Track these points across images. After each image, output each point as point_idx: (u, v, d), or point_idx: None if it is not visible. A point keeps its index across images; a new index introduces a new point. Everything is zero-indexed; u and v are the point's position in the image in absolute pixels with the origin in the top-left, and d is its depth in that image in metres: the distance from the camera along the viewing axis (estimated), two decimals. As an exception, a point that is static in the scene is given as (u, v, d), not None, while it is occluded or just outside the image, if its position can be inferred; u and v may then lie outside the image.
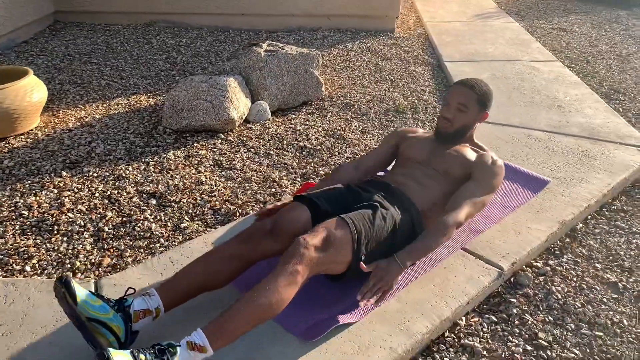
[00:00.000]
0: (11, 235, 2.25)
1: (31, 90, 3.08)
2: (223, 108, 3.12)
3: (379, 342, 1.74)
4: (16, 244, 2.20)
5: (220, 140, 3.11)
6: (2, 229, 2.28)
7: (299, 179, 2.74)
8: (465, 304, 1.92)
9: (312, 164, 2.89)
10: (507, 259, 2.13)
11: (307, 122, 3.39)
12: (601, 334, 1.88)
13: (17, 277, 2.03)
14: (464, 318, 1.92)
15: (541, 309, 1.98)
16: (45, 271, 2.07)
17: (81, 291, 1.58)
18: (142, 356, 1.43)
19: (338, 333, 1.76)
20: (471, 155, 2.19)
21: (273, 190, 2.63)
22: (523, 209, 2.45)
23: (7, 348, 1.68)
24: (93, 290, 1.92)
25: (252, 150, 3.02)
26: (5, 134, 3.08)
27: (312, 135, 3.22)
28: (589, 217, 2.53)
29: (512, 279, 2.11)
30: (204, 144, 3.07)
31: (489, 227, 2.31)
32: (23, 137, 3.11)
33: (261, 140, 3.13)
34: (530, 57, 4.66)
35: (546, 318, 1.94)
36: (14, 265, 2.09)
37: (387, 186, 2.11)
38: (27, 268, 2.08)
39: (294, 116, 3.49)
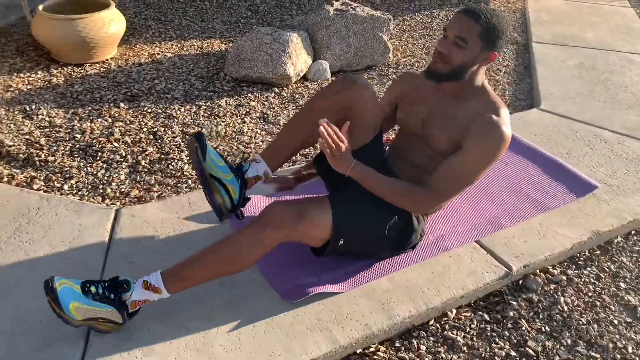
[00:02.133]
0: (60, 155, 2.47)
1: (109, 22, 3.28)
2: (281, 63, 3.15)
3: (356, 317, 1.75)
4: (62, 164, 2.41)
5: (273, 94, 3.16)
6: (55, 148, 2.51)
7: (337, 144, 2.75)
8: (459, 297, 1.88)
9: (355, 131, 2.87)
10: (520, 260, 2.03)
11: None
12: (598, 355, 1.77)
13: (54, 193, 2.24)
14: (454, 310, 1.88)
15: (540, 317, 1.89)
16: (79, 192, 2.26)
17: (211, 150, 1.72)
18: (93, 288, 1.54)
19: (320, 299, 1.80)
20: (462, 122, 1.77)
21: (306, 151, 2.66)
22: (558, 211, 2.30)
23: (26, 255, 1.88)
24: (113, 217, 2.08)
25: (294, 107, 3.04)
26: (83, 60, 3.32)
27: (365, 101, 3.17)
28: (633, 232, 2.33)
29: (520, 282, 2.02)
30: (257, 95, 3.13)
31: (513, 223, 2.20)
32: (98, 65, 3.34)
33: (312, 100, 3.14)
34: (631, 49, 4.23)
35: (543, 327, 1.85)
36: (55, 182, 2.30)
37: (385, 166, 1.97)
38: (65, 187, 2.28)
39: (354, 79, 3.45)
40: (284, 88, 3.23)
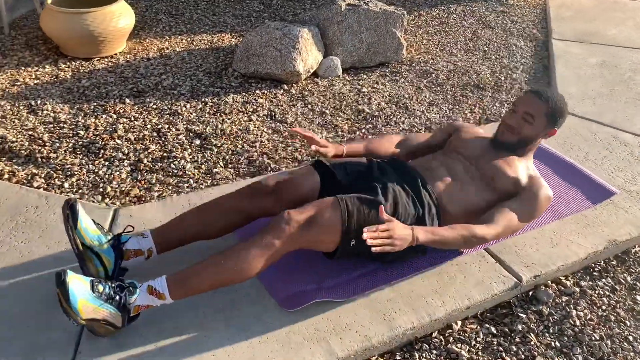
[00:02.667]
0: (63, 151, 2.43)
1: (118, 16, 3.24)
2: (290, 59, 3.08)
3: (356, 327, 1.69)
4: (64, 160, 2.38)
5: (282, 91, 3.09)
6: (57, 144, 2.47)
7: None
8: (464, 308, 1.80)
9: (363, 130, 2.79)
10: (531, 270, 1.94)
11: (375, 85, 3.26)
12: (610, 374, 1.68)
13: (54, 191, 2.20)
14: (459, 322, 1.81)
15: (551, 331, 1.80)
16: (80, 191, 2.22)
17: (85, 218, 1.68)
18: (100, 287, 1.50)
19: (319, 308, 1.73)
20: (523, 172, 1.98)
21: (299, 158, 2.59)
22: (573, 218, 2.20)
23: (20, 255, 1.85)
24: (111, 218, 2.04)
25: (309, 106, 2.97)
26: (91, 55, 3.29)
27: (375, 99, 3.09)
28: (653, 241, 2.22)
29: (530, 293, 1.93)
30: (265, 92, 3.07)
31: (525, 231, 2.11)
32: (106, 59, 3.31)
33: (321, 97, 3.07)
34: (657, 47, 4.07)
35: (553, 343, 1.76)
36: (56, 180, 2.27)
37: (412, 175, 1.95)
38: (66, 185, 2.24)
39: (364, 76, 3.37)
40: (293, 85, 3.16)
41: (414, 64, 3.56)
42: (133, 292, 1.55)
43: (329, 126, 2.80)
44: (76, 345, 1.56)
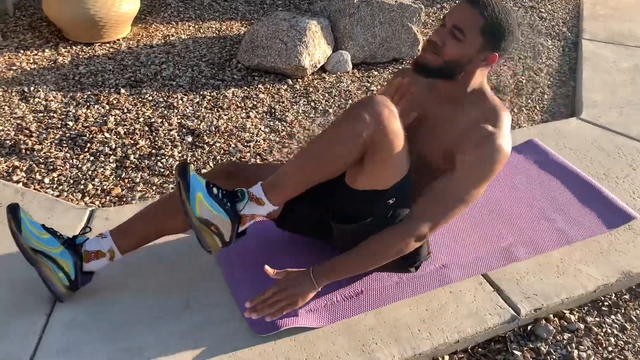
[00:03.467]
0: (49, 143, 2.34)
1: (120, 1, 3.11)
2: (295, 53, 2.92)
3: (331, 357, 1.55)
4: (48, 153, 2.28)
5: (286, 86, 2.94)
6: (44, 135, 2.38)
7: (345, 147, 2.51)
8: (453, 342, 1.64)
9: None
10: (531, 301, 1.77)
11: (385, 83, 3.08)
12: None
13: (33, 187, 2.11)
14: (447, 357, 1.65)
15: (548, 373, 1.64)
16: (60, 187, 2.12)
17: (29, 222, 1.54)
18: (215, 189, 1.42)
19: (293, 334, 1.59)
20: (461, 128, 1.53)
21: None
22: (585, 244, 2.01)
23: (-15, 256, 1.75)
24: (86, 219, 1.93)
25: (312, 103, 2.81)
26: (92, 40, 3.18)
27: (384, 99, 2.91)
28: (673, 274, 2.02)
29: (528, 327, 1.76)
30: (268, 87, 2.92)
31: (530, 256, 1.93)
32: (108, 45, 3.20)
33: (326, 95, 2.91)
34: (697, 52, 3.77)
35: (549, 387, 1.60)
36: (37, 174, 2.17)
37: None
38: (46, 180, 2.15)
39: (376, 73, 3.19)
40: (299, 80, 3.01)
41: (430, 62, 3.36)
42: (242, 197, 1.45)
43: (331, 127, 2.64)
44: (36, 345, 1.46)
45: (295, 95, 2.87)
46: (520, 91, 3.14)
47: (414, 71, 1.53)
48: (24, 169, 2.19)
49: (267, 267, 1.55)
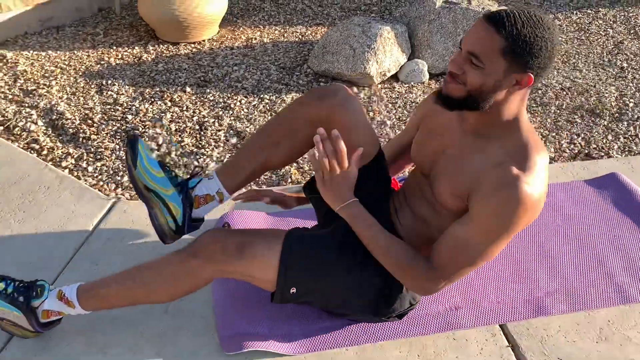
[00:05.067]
0: (105, 134, 2.46)
1: (205, 3, 3.21)
2: (362, 60, 2.78)
3: (292, 391, 1.41)
4: (100, 144, 2.40)
5: (349, 94, 2.80)
6: (103, 126, 2.51)
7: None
8: (440, 398, 1.41)
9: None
10: (553, 366, 1.47)
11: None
12: None
13: (78, 173, 2.22)
14: (430, 415, 1.42)
15: None
16: (99, 177, 2.21)
17: (147, 158, 1.45)
18: (2, 284, 1.42)
19: (263, 357, 1.48)
20: (481, 167, 1.29)
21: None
22: (648, 306, 1.63)
23: (10, 236, 1.87)
24: (105, 211, 1.98)
25: (370, 114, 2.65)
26: (179, 40, 3.31)
27: (453, 114, 2.65)
28: None
29: (543, 397, 1.46)
30: (331, 93, 2.81)
31: (566, 311, 1.61)
32: (192, 45, 3.31)
33: (390, 105, 2.72)
34: None
35: None
36: (84, 162, 2.29)
37: (385, 210, 1.54)
38: (90, 169, 2.25)
39: (454, 86, 2.92)
40: (365, 88, 2.86)
41: (520, 76, 3.01)
42: (41, 294, 1.43)
43: (383, 140, 2.46)
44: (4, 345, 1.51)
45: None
46: (622, 116, 2.68)
47: (436, 103, 1.33)
48: (75, 156, 2.32)
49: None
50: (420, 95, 2.82)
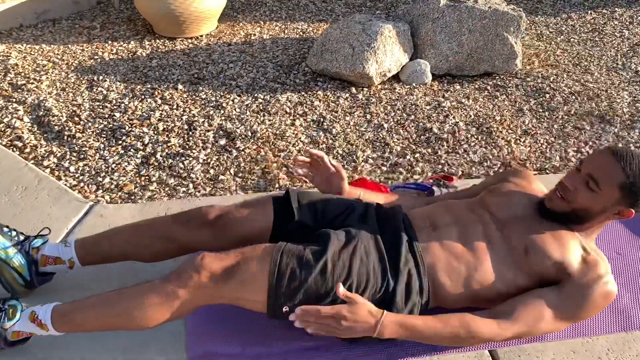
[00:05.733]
0: (90, 132, 2.37)
1: (202, -2, 3.11)
2: (361, 59, 2.66)
3: (259, 419, 1.31)
4: (85, 142, 2.31)
5: (347, 95, 2.69)
6: (90, 124, 2.43)
7: (384, 169, 2.21)
8: None
9: (416, 156, 2.28)
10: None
11: (463, 100, 2.68)
12: None
13: (59, 173, 2.14)
14: None
15: None
16: (80, 177, 2.13)
17: None
18: None
19: (231, 379, 1.39)
20: (575, 252, 1.41)
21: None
22: (653, 334, 1.51)
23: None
24: (82, 214, 1.90)
25: (368, 116, 2.54)
26: (176, 35, 3.22)
27: (453, 117, 2.53)
28: None
29: None
30: (327, 94, 2.70)
31: (562, 337, 1.49)
32: (189, 41, 3.22)
33: (388, 107, 2.61)
34: None
35: None
36: (67, 161, 2.21)
37: (395, 227, 1.47)
38: (72, 169, 2.17)
39: (458, 87, 2.80)
40: (364, 89, 2.74)
41: (529, 79, 2.88)
42: (12, 316, 1.34)
43: (379, 145, 2.35)
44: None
45: (354, 105, 2.62)
46: (634, 123, 2.54)
47: (537, 214, 1.47)
48: (58, 155, 2.24)
49: (340, 285, 1.30)
50: (420, 97, 2.70)
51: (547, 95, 2.74)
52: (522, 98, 2.72)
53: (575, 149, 2.37)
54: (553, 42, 3.30)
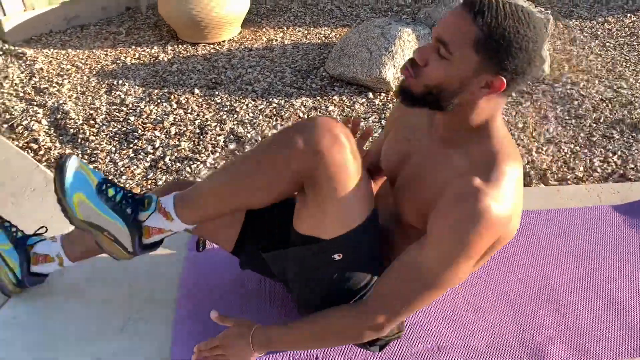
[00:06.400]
0: (104, 135, 2.39)
1: (222, 3, 3.11)
2: (378, 64, 2.59)
3: None
4: (98, 145, 2.33)
5: (363, 100, 2.63)
6: (104, 127, 2.45)
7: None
8: None
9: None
10: None
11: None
12: None
13: (66, 176, 2.16)
14: None
15: None
16: (88, 180, 2.14)
17: None
18: (111, 190, 1.22)
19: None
20: (443, 178, 1.11)
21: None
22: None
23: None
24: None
25: (383, 122, 2.46)
26: (198, 40, 3.24)
27: (473, 125, 2.43)
28: None
29: None
30: (343, 99, 2.65)
31: (569, 357, 1.38)
32: (211, 46, 3.23)
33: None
34: None
35: None
36: (77, 164, 2.23)
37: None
38: (81, 171, 2.19)
39: (480, 94, 2.69)
40: (381, 94, 2.67)
41: (557, 85, 2.74)
42: (147, 207, 1.24)
43: (391, 151, 2.28)
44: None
45: (370, 111, 2.55)
46: (670, 132, 2.38)
47: (395, 97, 1.17)
48: (71, 157, 2.26)
49: (213, 313, 1.30)
50: (440, 103, 2.61)
51: (576, 102, 2.60)
52: (548, 104, 2.58)
53: (601, 158, 2.22)
54: (587, 47, 3.14)
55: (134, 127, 2.44)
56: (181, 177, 2.14)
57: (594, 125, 2.44)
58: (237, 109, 2.57)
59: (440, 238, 1.07)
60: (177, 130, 2.42)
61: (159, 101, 2.64)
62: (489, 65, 1.01)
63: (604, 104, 2.58)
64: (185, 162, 2.22)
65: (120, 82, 2.82)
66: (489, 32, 0.98)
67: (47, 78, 2.85)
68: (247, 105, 2.61)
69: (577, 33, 3.33)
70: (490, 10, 0.99)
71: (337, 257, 1.20)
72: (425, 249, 1.10)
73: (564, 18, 3.52)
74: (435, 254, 1.08)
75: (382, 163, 1.34)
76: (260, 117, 2.51)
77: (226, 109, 2.58)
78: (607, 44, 3.19)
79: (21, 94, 2.70)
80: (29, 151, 2.30)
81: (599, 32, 3.33)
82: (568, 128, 2.42)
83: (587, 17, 3.55)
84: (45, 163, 2.22)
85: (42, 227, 1.61)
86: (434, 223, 1.09)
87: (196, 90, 2.73)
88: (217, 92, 2.72)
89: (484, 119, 1.10)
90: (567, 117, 2.50)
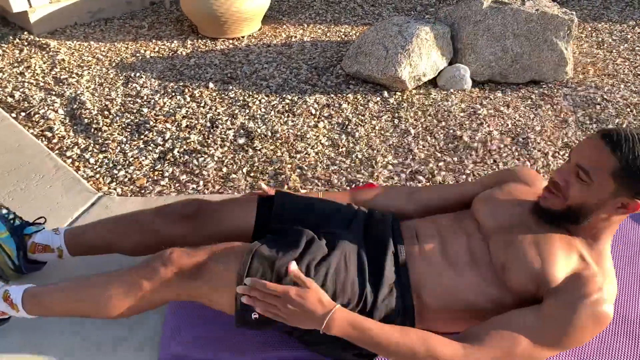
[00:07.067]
0: (117, 126, 2.41)
1: (243, -1, 3.12)
2: (394, 62, 2.55)
3: None
4: (109, 135, 2.35)
5: (378, 99, 2.59)
6: (117, 118, 2.47)
7: (403, 176, 2.09)
8: None
9: (439, 164, 2.14)
10: None
11: (502, 109, 2.50)
12: None
13: (80, 165, 2.18)
14: None
15: None
16: (98, 169, 2.16)
17: None
18: None
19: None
20: (563, 264, 1.21)
21: (360, 177, 2.08)
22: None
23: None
24: (89, 204, 1.92)
25: (395, 121, 2.42)
26: (217, 35, 3.25)
27: (488, 126, 2.36)
28: None
29: None
30: (357, 97, 2.61)
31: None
32: (230, 41, 3.23)
33: (419, 113, 2.47)
34: None
35: None
36: (89, 153, 2.25)
37: (381, 237, 1.36)
38: (92, 160, 2.21)
39: (499, 95, 2.62)
40: (397, 93, 2.63)
41: (579, 88, 2.65)
42: None
43: (402, 150, 2.23)
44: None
45: (383, 109, 2.51)
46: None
47: (532, 214, 1.29)
48: (82, 146, 2.29)
49: (292, 265, 1.19)
50: (456, 103, 2.55)
51: (598, 107, 2.50)
52: (569, 109, 2.50)
53: (621, 165, 2.13)
54: (614, 51, 3.03)
55: (146, 118, 2.46)
56: (188, 170, 2.13)
57: (616, 130, 2.34)
58: (250, 104, 2.56)
59: (557, 323, 1.16)
60: (188, 123, 2.42)
61: (173, 94, 2.65)
62: (626, 191, 1.15)
63: (629, 109, 2.48)
64: (194, 155, 2.22)
65: (138, 74, 2.84)
66: (627, 164, 1.13)
67: (67, 69, 2.89)
68: (260, 100, 2.60)
69: (605, 36, 3.22)
70: (627, 142, 1.13)
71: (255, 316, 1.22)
72: (538, 322, 1.17)
73: (592, 21, 3.41)
74: (549, 332, 1.16)
75: (480, 208, 1.38)
76: (272, 112, 2.50)
77: (239, 103, 2.58)
78: (637, 47, 3.07)
79: (41, 84, 2.74)
80: (43, 139, 2.33)
81: (628, 36, 3.21)
82: (588, 133, 2.33)
83: (618, 20, 3.42)
84: (57, 151, 2.25)
85: (40, 217, 1.62)
86: (556, 306, 1.17)
87: (211, 85, 2.73)
88: (231, 87, 2.71)
89: (603, 243, 1.25)
90: (588, 122, 2.41)
